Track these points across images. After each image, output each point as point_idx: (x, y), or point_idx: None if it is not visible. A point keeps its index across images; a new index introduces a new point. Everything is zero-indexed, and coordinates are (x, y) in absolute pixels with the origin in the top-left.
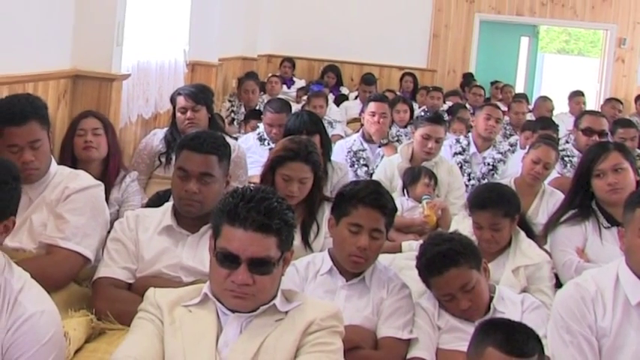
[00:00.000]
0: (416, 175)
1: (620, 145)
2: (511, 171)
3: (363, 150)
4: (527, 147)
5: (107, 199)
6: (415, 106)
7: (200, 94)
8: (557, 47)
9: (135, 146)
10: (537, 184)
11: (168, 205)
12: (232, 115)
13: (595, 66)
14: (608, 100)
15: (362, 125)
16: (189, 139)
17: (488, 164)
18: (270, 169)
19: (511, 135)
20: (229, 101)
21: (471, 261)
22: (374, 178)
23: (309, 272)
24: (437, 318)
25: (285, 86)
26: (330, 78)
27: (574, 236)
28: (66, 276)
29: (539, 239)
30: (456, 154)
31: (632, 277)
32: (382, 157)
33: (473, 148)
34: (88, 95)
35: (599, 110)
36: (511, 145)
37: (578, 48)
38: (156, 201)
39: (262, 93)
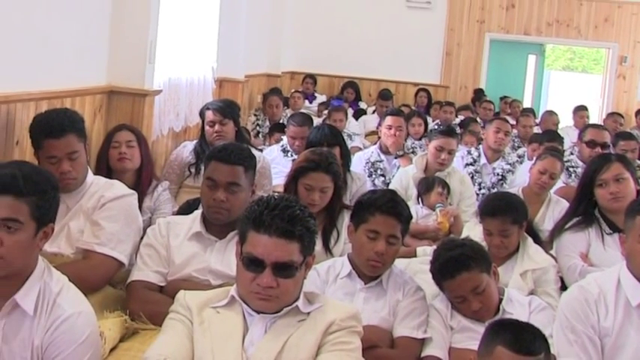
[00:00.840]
0: (430, 184)
1: (621, 157)
2: (519, 181)
3: (380, 161)
4: (534, 158)
5: (140, 207)
6: (429, 119)
7: (227, 109)
8: (562, 65)
9: (166, 157)
10: (544, 193)
11: (197, 213)
12: (257, 128)
13: (598, 82)
14: (610, 115)
15: (379, 138)
16: (217, 151)
17: (498, 174)
18: (293, 178)
19: (519, 147)
20: (255, 115)
21: (482, 265)
22: (390, 187)
23: (330, 276)
24: (449, 319)
25: (307, 101)
26: (349, 93)
27: (578, 242)
28: (101, 279)
29: (546, 245)
30: (467, 164)
31: (633, 280)
32: (398, 167)
33: (483, 160)
34: (123, 110)
35: (602, 124)
36: (519, 157)
37: (582, 65)
38: (186, 209)
39: (286, 107)
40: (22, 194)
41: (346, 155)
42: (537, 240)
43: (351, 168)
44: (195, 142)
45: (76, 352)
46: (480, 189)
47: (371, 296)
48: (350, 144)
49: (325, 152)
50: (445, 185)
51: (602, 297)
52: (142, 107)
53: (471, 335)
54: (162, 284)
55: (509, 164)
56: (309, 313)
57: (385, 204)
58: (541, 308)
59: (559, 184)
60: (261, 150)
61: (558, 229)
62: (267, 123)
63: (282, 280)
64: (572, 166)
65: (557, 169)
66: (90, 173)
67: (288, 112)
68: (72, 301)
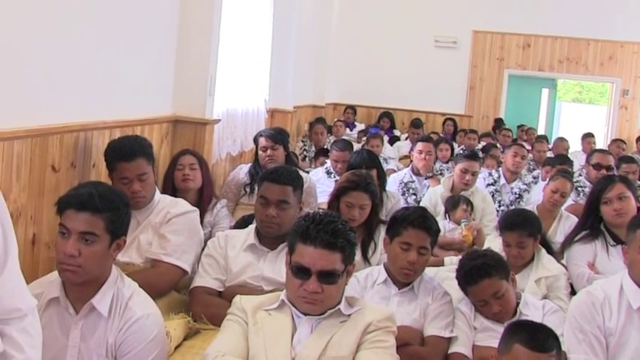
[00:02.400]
0: (456, 202)
1: (624, 178)
2: (534, 199)
3: (412, 182)
4: (547, 179)
5: (201, 222)
6: (455, 145)
7: (278, 136)
8: (572, 97)
9: (224, 178)
10: (556, 210)
11: (251, 227)
12: (304, 152)
13: (603, 112)
14: (614, 141)
15: (411, 161)
16: (269, 173)
17: (515, 193)
18: (336, 197)
19: (534, 169)
20: (302, 141)
21: (501, 273)
22: (421, 204)
23: (368, 282)
24: (473, 320)
25: (348, 129)
26: (385, 122)
27: (586, 253)
28: (168, 285)
29: (557, 255)
30: (488, 185)
31: (634, 286)
32: (428, 187)
33: (503, 180)
34: (186, 136)
35: (607, 149)
36: (534, 178)
37: (589, 98)
38: (242, 224)
39: (329, 135)
40: (98, 211)
41: (382, 176)
42: (550, 251)
43: (387, 188)
44: (249, 164)
45: (145, 350)
46: (499, 206)
47: (404, 300)
48: (386, 167)
49: (364, 174)
50: (469, 203)
51: (607, 301)
52: (203, 134)
53: (491, 334)
54: (221, 290)
55: (526, 184)
56: (349, 315)
57: (417, 219)
58: (553, 311)
59: (569, 201)
60: (307, 172)
61: (568, 241)
62: (313, 148)
63: (326, 286)
64: (581, 186)
65: (567, 188)
66: (157, 192)
67: (332, 138)
68: (142, 305)
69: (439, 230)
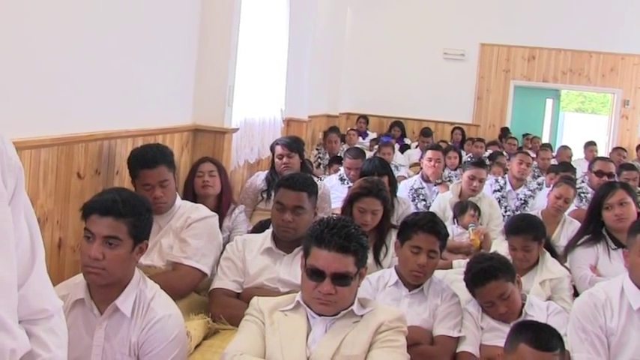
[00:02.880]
0: (464, 207)
1: (624, 184)
2: (539, 204)
3: (422, 188)
4: (552, 186)
5: (220, 226)
6: (463, 153)
7: (294, 144)
8: (575, 107)
9: (242, 185)
10: (559, 215)
11: (268, 232)
12: (319, 160)
13: (605, 122)
14: (615, 149)
15: (421, 168)
16: (285, 179)
17: (521, 199)
18: (349, 203)
19: (539, 176)
20: (316, 149)
21: (507, 275)
22: (430, 210)
23: (380, 284)
24: (480, 320)
25: (360, 138)
26: (396, 131)
27: (588, 256)
28: (188, 287)
29: (561, 258)
30: (495, 191)
31: (634, 288)
32: (437, 193)
33: (508, 187)
34: (205, 145)
35: (608, 157)
36: (539, 184)
37: (592, 107)
38: (259, 228)
39: (342, 143)
40: (121, 215)
41: (393, 183)
42: (554, 254)
43: (398, 194)
44: (266, 172)
45: (166, 348)
46: (505, 211)
47: (414, 301)
48: (396, 174)
49: (376, 181)
50: (477, 208)
51: (609, 302)
52: (222, 143)
53: (498, 334)
54: (239, 291)
55: (531, 190)
56: (362, 316)
57: (426, 224)
58: (557, 311)
59: (572, 207)
60: (321, 179)
61: (571, 245)
62: (327, 156)
63: (340, 287)
64: (583, 192)
65: (570, 194)
66: (178, 198)
67: (345, 146)
68: (163, 306)
69: (448, 234)
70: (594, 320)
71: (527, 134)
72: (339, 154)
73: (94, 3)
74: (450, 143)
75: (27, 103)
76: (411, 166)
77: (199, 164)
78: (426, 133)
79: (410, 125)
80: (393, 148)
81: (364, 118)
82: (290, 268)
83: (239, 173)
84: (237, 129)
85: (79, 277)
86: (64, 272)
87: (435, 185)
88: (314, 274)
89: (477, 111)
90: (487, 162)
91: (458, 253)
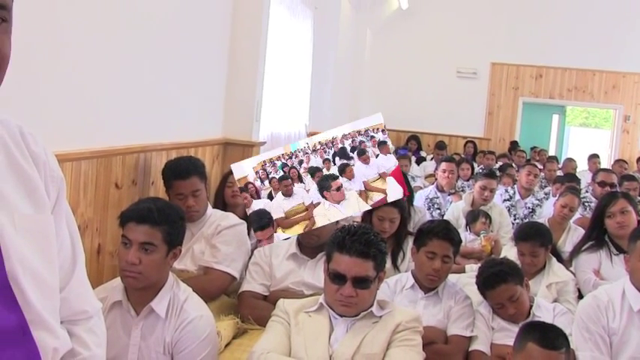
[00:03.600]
0: (475, 215)
1: (625, 194)
2: (545, 213)
3: (437, 197)
4: (558, 195)
5: (248, 233)
6: (475, 165)
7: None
8: (579, 122)
9: None
10: (565, 223)
11: (294, 238)
12: None
13: (607, 136)
14: (617, 161)
15: (436, 179)
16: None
17: (529, 208)
18: (369, 211)
19: (545, 186)
20: None
21: (516, 279)
22: (445, 218)
23: (397, 287)
24: (491, 321)
25: None
26: (412, 144)
27: (592, 261)
28: (218, 290)
29: (566, 263)
30: (505, 200)
31: (635, 291)
32: (451, 202)
33: (517, 196)
34: (235, 157)
35: (611, 168)
36: (545, 194)
37: (595, 122)
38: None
39: None
40: (156, 223)
41: (410, 193)
42: (560, 259)
43: (414, 203)
44: None
45: (198, 347)
46: (514, 219)
47: (429, 303)
48: (413, 184)
49: None
50: (488, 216)
51: (611, 304)
52: (250, 155)
53: (507, 334)
54: (266, 294)
55: (538, 200)
56: (381, 317)
57: (441, 231)
58: (563, 313)
59: (577, 215)
60: None
61: (576, 250)
62: None
63: (360, 290)
64: (587, 202)
65: (575, 204)
66: (209, 207)
67: None
68: (195, 307)
69: (461, 241)
70: (597, 321)
71: (535, 147)
72: None
73: (132, 26)
74: (462, 156)
75: (69, 118)
76: (426, 177)
77: (229, 175)
78: (440, 146)
79: (425, 139)
80: (410, 161)
81: None
82: (314, 272)
83: None
84: (265, 142)
85: (117, 281)
86: (102, 276)
87: (449, 195)
88: (336, 277)
89: (488, 125)
90: (497, 173)
91: (470, 258)
